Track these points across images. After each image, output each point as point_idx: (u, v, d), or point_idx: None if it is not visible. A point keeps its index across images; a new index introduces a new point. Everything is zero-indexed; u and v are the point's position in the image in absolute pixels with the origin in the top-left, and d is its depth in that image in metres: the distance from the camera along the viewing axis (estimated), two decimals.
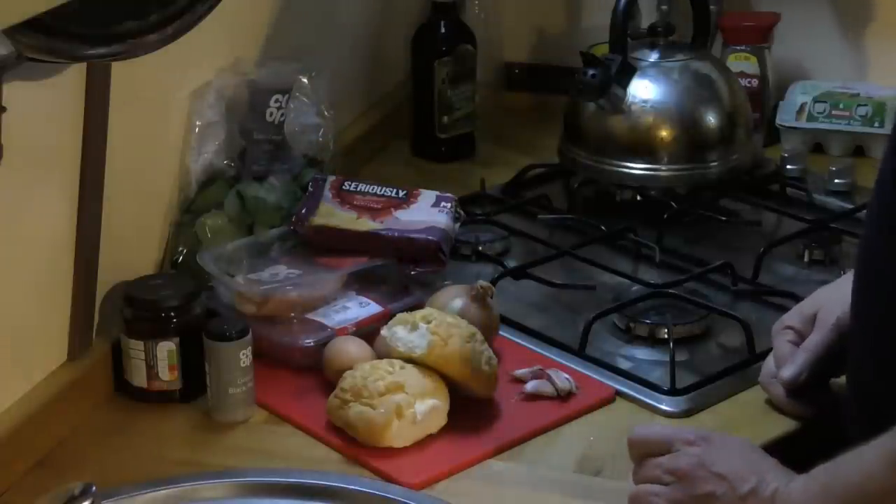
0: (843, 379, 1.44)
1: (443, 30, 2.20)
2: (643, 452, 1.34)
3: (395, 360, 1.50)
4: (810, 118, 2.18)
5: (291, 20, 1.98)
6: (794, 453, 1.48)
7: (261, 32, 1.91)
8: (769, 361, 1.53)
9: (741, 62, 2.20)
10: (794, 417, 1.51)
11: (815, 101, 2.17)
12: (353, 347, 1.56)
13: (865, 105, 2.16)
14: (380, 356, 1.52)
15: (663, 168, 1.96)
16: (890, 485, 1.18)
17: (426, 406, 1.45)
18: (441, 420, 1.47)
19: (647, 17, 2.16)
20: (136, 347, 1.55)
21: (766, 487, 1.26)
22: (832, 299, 1.49)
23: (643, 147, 1.96)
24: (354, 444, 1.46)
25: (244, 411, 1.53)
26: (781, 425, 1.50)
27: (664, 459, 1.32)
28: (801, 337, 1.51)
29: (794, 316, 1.53)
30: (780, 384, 1.50)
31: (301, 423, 1.51)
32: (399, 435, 1.44)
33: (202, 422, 1.53)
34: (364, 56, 2.24)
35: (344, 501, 1.38)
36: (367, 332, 1.59)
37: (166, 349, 1.54)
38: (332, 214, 1.74)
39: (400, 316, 1.53)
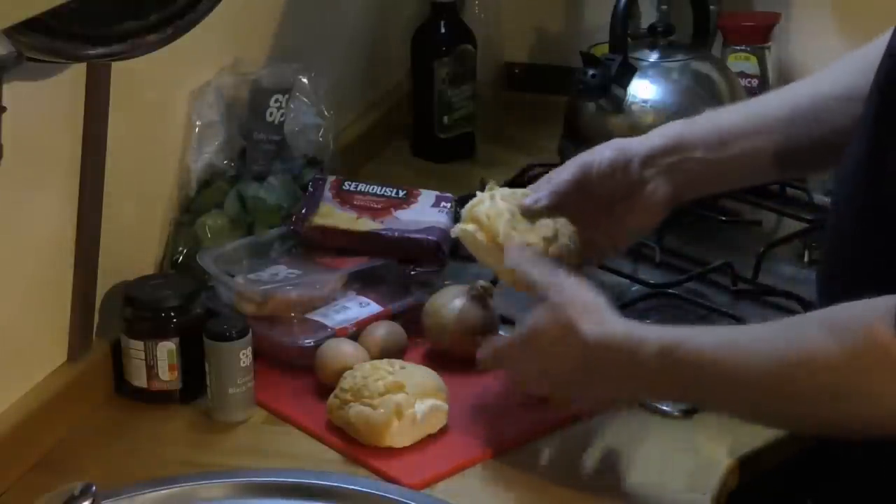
0: None
1: (443, 30, 2.20)
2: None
3: (395, 361, 1.50)
4: None
5: (291, 20, 1.98)
6: (793, 453, 1.48)
7: (261, 32, 1.91)
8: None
9: (741, 62, 2.20)
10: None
11: None
12: (346, 348, 1.56)
13: None
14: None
15: None
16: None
17: (426, 406, 1.45)
18: (441, 420, 1.47)
19: (647, 17, 2.16)
20: (136, 347, 1.55)
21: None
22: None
23: None
24: (354, 444, 1.46)
25: (244, 411, 1.53)
26: None
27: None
28: None
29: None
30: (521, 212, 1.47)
31: (301, 423, 1.51)
32: (399, 435, 1.44)
33: (202, 422, 1.53)
34: (364, 56, 2.24)
35: (344, 501, 1.38)
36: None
37: (166, 349, 1.54)
38: (332, 214, 1.74)
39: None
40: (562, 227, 1.47)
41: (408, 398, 1.45)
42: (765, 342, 1.22)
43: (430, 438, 1.47)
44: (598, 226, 1.49)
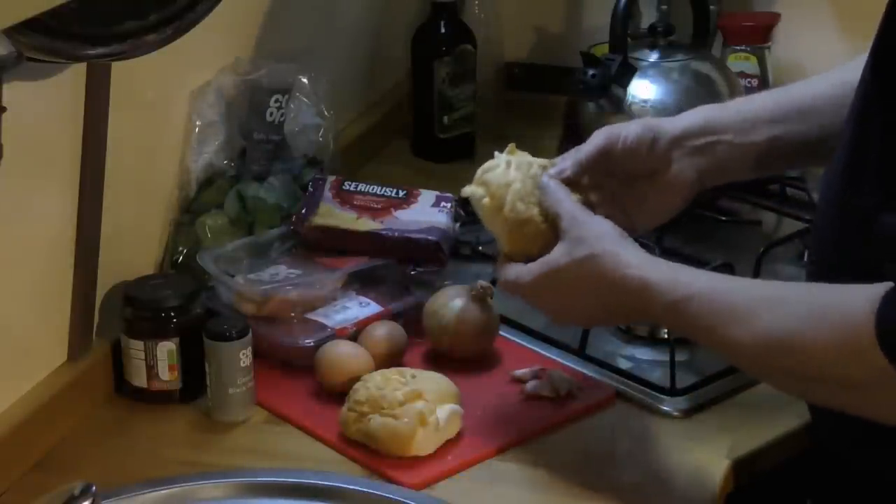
0: None
1: (443, 30, 2.20)
2: None
3: (403, 369, 1.49)
4: None
5: (291, 20, 1.98)
6: (793, 453, 1.49)
7: (261, 32, 1.91)
8: None
9: (741, 62, 2.20)
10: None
11: None
12: (346, 349, 1.56)
13: None
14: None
15: None
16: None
17: (446, 411, 1.44)
18: (458, 424, 1.46)
19: (647, 17, 2.16)
20: (136, 347, 1.55)
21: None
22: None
23: None
24: (355, 444, 1.46)
25: (244, 411, 1.53)
26: (782, 426, 1.50)
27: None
28: None
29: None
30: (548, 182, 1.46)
31: (301, 424, 1.51)
32: (423, 442, 1.43)
33: (202, 422, 1.53)
34: (364, 56, 2.24)
35: (344, 501, 1.38)
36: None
37: (166, 349, 1.54)
38: (332, 214, 1.74)
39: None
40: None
41: (428, 405, 1.43)
42: (767, 310, 1.25)
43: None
44: (621, 203, 1.47)
